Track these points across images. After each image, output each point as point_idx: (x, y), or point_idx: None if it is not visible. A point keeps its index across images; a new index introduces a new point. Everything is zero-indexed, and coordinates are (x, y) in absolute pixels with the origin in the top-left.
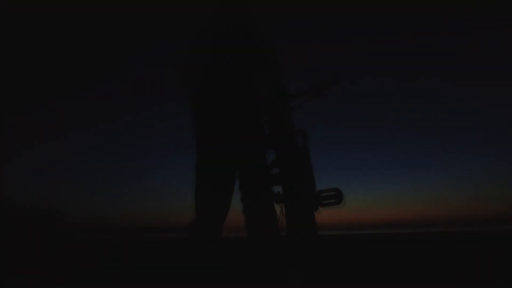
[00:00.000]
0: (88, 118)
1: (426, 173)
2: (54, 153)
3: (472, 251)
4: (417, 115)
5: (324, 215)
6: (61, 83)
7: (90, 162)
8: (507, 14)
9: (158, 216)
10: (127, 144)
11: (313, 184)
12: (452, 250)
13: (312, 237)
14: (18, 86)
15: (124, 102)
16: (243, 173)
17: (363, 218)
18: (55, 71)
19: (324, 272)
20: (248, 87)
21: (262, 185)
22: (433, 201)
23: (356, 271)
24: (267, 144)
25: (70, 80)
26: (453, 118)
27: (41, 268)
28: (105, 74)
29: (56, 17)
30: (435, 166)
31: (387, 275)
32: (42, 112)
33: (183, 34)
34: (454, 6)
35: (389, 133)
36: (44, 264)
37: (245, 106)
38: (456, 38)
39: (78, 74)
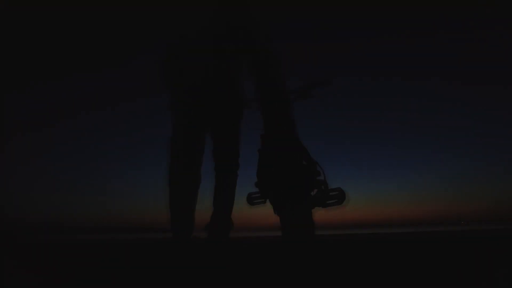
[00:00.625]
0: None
1: (424, 173)
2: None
3: (472, 251)
4: (416, 115)
5: (321, 214)
6: (29, 79)
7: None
8: (507, 14)
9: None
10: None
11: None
12: (452, 250)
13: (310, 237)
14: None
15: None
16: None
17: (359, 217)
18: (23, 68)
19: (324, 272)
20: (250, 87)
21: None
22: (430, 201)
23: (356, 271)
24: (268, 144)
25: (38, 76)
26: (453, 118)
27: (41, 268)
28: (81, 73)
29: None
30: (434, 166)
31: (387, 275)
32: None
33: (183, 34)
34: (454, 6)
35: (388, 133)
36: (44, 264)
37: (245, 106)
38: (456, 39)
39: (49, 70)
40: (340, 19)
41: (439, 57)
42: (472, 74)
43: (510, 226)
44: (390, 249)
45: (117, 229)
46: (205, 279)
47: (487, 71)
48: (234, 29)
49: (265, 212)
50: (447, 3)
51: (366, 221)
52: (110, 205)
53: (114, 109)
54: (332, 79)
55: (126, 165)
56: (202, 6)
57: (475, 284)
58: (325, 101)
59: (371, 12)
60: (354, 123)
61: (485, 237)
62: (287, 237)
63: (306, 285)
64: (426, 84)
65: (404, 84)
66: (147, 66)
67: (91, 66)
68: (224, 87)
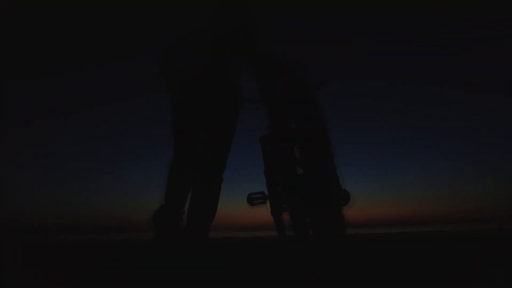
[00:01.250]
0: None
1: (420, 172)
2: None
3: (472, 251)
4: (416, 114)
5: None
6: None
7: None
8: (507, 14)
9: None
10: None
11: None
12: (452, 250)
13: (339, 235)
14: None
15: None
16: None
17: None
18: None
19: (324, 272)
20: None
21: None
22: (428, 200)
23: (355, 271)
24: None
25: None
26: (453, 119)
27: (41, 268)
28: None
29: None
30: (430, 166)
31: (387, 275)
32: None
33: (183, 34)
34: (454, 6)
35: (386, 133)
36: (43, 264)
37: (241, 107)
38: (456, 39)
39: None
40: (340, 19)
41: (438, 58)
42: (470, 76)
43: (507, 226)
44: (390, 249)
45: (114, 229)
46: (204, 279)
47: (481, 72)
48: (234, 29)
49: (265, 213)
50: (447, 3)
51: (362, 221)
52: (107, 205)
53: (111, 108)
54: (326, 81)
55: (119, 165)
56: (202, 6)
57: (475, 284)
58: (323, 101)
59: (371, 12)
60: (350, 124)
61: (485, 237)
62: (298, 236)
63: (306, 285)
64: (426, 86)
65: (403, 84)
66: (146, 65)
67: (88, 66)
68: (224, 87)
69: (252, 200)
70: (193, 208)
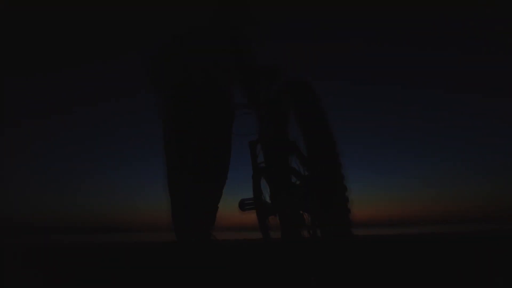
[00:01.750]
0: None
1: (420, 172)
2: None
3: (472, 251)
4: (416, 115)
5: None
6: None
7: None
8: (507, 14)
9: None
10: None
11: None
12: (452, 250)
13: (344, 235)
14: None
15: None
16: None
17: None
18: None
19: (323, 272)
20: (250, 89)
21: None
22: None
23: (355, 271)
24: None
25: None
26: (453, 119)
27: (41, 268)
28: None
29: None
30: (430, 166)
31: (387, 275)
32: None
33: (182, 34)
34: (454, 7)
35: (386, 133)
36: (43, 264)
37: (236, 109)
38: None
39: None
40: (340, 19)
41: (438, 59)
42: (470, 76)
43: (507, 226)
44: (389, 249)
45: (114, 229)
46: (205, 279)
47: (481, 72)
48: (234, 29)
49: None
50: (447, 3)
51: (362, 221)
52: (107, 205)
53: (111, 109)
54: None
55: (119, 165)
56: (202, 6)
57: (475, 284)
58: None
59: (371, 13)
60: (350, 124)
61: (485, 237)
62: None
63: (305, 286)
64: (426, 86)
65: (403, 85)
66: (145, 64)
67: (89, 65)
68: (224, 88)
69: (244, 206)
70: (193, 208)
